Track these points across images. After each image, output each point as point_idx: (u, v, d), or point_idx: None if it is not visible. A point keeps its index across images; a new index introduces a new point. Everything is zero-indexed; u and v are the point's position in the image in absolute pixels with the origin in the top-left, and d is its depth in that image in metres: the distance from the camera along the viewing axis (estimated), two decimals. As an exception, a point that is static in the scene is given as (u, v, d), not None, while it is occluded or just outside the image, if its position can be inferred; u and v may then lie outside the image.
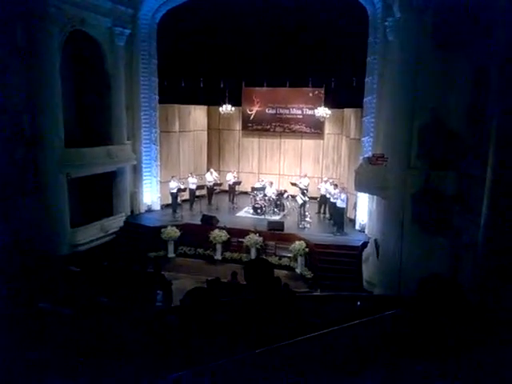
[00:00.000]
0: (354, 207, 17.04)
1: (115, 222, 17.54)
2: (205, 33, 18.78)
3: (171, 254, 16.57)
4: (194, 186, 19.26)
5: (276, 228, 16.30)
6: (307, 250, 15.10)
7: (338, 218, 16.49)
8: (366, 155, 14.90)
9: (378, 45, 15.14)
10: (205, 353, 2.79)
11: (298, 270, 15.22)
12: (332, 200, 16.79)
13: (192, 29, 18.52)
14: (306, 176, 19.81)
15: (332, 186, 17.38)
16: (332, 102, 19.62)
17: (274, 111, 21.66)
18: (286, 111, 21.45)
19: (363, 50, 15.91)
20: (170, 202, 18.90)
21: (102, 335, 3.78)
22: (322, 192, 18.39)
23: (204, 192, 20.12)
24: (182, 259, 16.41)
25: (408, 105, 10.16)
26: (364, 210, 16.28)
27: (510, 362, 2.61)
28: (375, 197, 13.82)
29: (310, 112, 20.74)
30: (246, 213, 18.82)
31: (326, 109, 19.43)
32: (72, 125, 16.70)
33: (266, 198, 18.44)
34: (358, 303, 7.13)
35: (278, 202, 18.70)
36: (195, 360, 2.68)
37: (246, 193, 20.38)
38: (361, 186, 12.84)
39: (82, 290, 8.41)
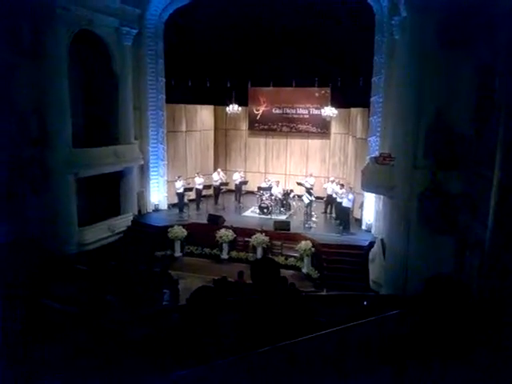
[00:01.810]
0: (361, 207, 17.01)
1: (122, 222, 17.63)
2: (211, 32, 18.81)
3: (178, 254, 16.62)
4: (200, 186, 19.31)
5: (282, 228, 16.29)
6: (313, 249, 15.09)
7: (343, 217, 16.47)
8: (372, 155, 14.86)
9: (385, 44, 15.07)
10: (211, 351, 2.81)
11: (304, 270, 15.21)
12: (338, 200, 16.77)
13: (199, 28, 18.58)
14: (311, 175, 19.80)
15: (338, 186, 17.36)
16: (338, 101, 19.57)
17: (280, 111, 21.66)
18: (293, 111, 21.45)
19: (370, 49, 15.84)
20: (176, 201, 18.96)
21: (109, 333, 3.81)
22: (329, 192, 18.36)
23: (210, 192, 20.17)
24: (189, 258, 16.45)
25: (414, 104, 10.13)
26: (371, 209, 16.24)
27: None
28: (382, 196, 13.79)
29: (316, 112, 20.72)
30: (252, 212, 18.84)
31: (333, 108, 19.39)
32: (79, 124, 16.80)
33: (273, 197, 18.44)
34: (365, 303, 7.14)
35: (284, 202, 18.70)
36: (202, 358, 2.70)
37: (252, 192, 20.39)
38: (367, 185, 12.81)
39: (90, 289, 8.47)
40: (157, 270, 11.44)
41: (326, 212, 18.77)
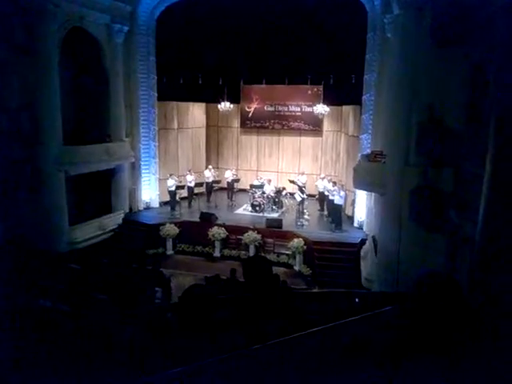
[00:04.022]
0: (353, 204, 17.06)
1: (114, 220, 17.54)
2: (203, 30, 18.74)
3: (170, 252, 16.58)
4: (192, 184, 19.27)
5: (274, 225, 16.32)
6: (305, 247, 15.12)
7: (335, 214, 16.51)
8: (364, 152, 14.92)
9: (377, 42, 15.10)
10: (203, 350, 2.81)
11: (296, 267, 15.25)
12: (330, 197, 16.81)
13: (191, 26, 18.49)
14: (303, 173, 19.84)
15: (330, 183, 17.40)
16: (331, 99, 19.62)
17: (272, 108, 21.65)
18: (285, 108, 21.45)
19: (362, 46, 15.89)
20: (168, 199, 18.91)
21: (100, 332, 3.79)
22: (320, 189, 18.43)
23: (203, 189, 20.14)
24: (181, 256, 16.43)
25: (406, 102, 10.19)
26: (362, 207, 16.31)
27: (507, 358, 2.63)
28: (373, 194, 13.86)
29: (308, 109, 20.74)
30: (244, 210, 18.82)
31: (325, 106, 19.44)
32: (70, 122, 16.66)
33: (265, 195, 18.44)
34: (357, 300, 7.16)
35: (277, 200, 18.71)
36: (193, 357, 2.70)
37: (244, 190, 20.39)
38: (359, 183, 12.87)
39: (81, 288, 8.43)
40: (148, 268, 11.39)
41: (322, 209, 18.73)
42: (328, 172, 20.36)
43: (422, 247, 9.68)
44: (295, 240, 15.28)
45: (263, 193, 18.51)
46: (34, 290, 7.67)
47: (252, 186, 19.04)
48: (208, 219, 16.85)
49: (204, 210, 17.87)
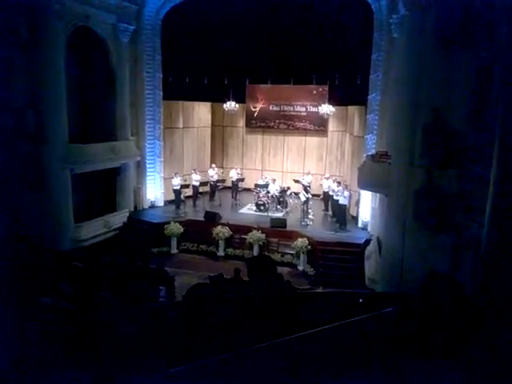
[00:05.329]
0: (357, 204, 17.03)
1: (118, 218, 17.58)
2: (209, 29, 18.76)
3: (174, 250, 16.62)
4: (197, 183, 19.31)
5: (279, 225, 16.31)
6: (310, 247, 15.10)
7: (339, 214, 16.49)
8: (369, 153, 14.88)
9: (383, 42, 15.04)
10: (207, 348, 2.82)
11: (300, 267, 15.24)
12: (334, 197, 16.79)
13: (196, 25, 18.51)
14: (309, 173, 19.82)
15: (335, 183, 17.37)
16: (336, 99, 19.62)
17: (277, 108, 21.65)
18: (290, 108, 21.44)
19: (368, 46, 15.82)
20: (173, 198, 18.95)
21: (104, 330, 3.81)
22: (325, 189, 18.40)
23: (207, 188, 20.18)
24: (185, 255, 16.45)
25: (412, 103, 10.15)
26: (367, 207, 16.26)
27: (509, 358, 2.63)
28: (378, 194, 13.82)
29: (313, 109, 20.73)
30: (248, 209, 18.81)
31: (330, 106, 19.41)
32: (76, 121, 16.74)
33: (269, 194, 18.43)
34: (360, 300, 7.15)
35: (281, 199, 18.69)
36: (197, 355, 2.71)
37: (249, 189, 20.37)
38: (364, 183, 12.85)
39: (85, 286, 8.45)
40: (153, 266, 11.40)
41: (326, 209, 18.69)
42: (333, 172, 20.34)
43: (426, 248, 9.65)
44: (299, 240, 15.27)
45: (268, 192, 18.49)
46: (38, 287, 7.70)
47: (257, 186, 19.05)
48: (212, 218, 16.88)
49: (208, 209, 17.88)
